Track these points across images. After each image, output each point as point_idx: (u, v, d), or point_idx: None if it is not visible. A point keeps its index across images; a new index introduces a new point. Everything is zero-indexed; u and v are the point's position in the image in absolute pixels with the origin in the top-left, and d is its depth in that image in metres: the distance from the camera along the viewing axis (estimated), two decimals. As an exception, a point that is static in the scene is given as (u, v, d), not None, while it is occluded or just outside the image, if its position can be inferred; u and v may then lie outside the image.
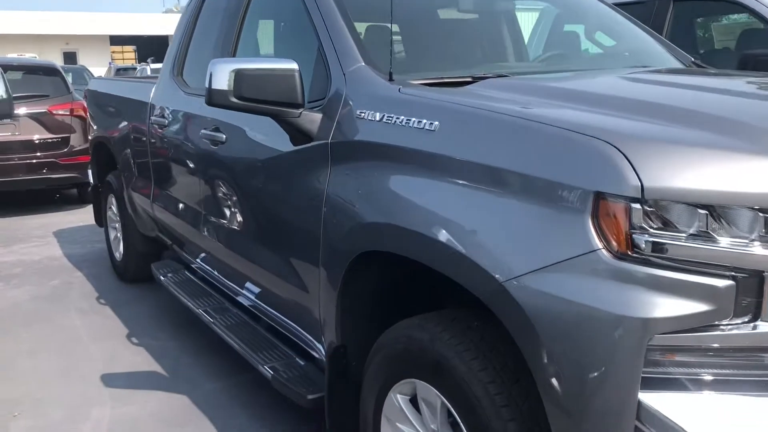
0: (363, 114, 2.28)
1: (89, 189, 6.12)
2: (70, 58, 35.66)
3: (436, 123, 1.97)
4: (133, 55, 40.34)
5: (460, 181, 1.85)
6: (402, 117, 2.09)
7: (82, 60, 33.35)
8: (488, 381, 1.78)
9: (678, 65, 3.11)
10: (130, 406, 3.29)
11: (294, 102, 2.38)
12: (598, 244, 1.52)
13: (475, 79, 2.40)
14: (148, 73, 18.62)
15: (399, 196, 2.06)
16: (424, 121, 2.00)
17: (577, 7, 3.68)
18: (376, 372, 2.20)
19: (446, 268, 1.85)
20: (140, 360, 3.82)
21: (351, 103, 2.36)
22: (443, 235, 1.83)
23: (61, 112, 7.79)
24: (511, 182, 1.72)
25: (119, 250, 5.20)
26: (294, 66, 2.35)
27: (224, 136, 3.12)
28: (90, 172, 5.88)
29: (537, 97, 2.07)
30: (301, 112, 2.41)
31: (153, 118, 4.07)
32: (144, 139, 4.26)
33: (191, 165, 3.58)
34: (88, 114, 6.10)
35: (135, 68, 23.52)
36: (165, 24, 35.75)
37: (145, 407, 3.28)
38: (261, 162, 2.86)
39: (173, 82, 3.97)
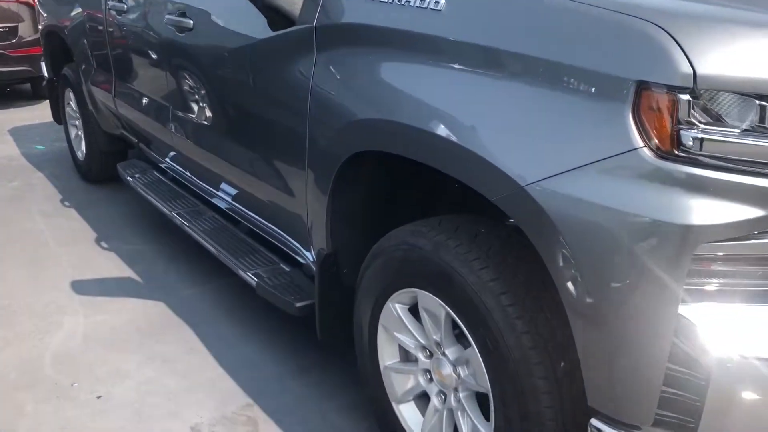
0: (353, -8, 2.00)
1: (44, 83, 5.69)
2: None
3: (442, 1, 1.71)
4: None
5: (473, 70, 1.61)
6: (401, -5, 1.83)
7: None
8: (500, 292, 1.63)
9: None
10: (103, 315, 3.12)
11: (272, -20, 2.09)
12: (639, 141, 1.33)
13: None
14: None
15: (398, 89, 1.83)
16: (428, -1, 1.74)
17: None
18: (371, 281, 2.05)
19: (456, 171, 1.64)
20: (111, 265, 3.63)
21: (338, -20, 2.08)
22: (453, 133, 1.61)
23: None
24: (535, 71, 1.49)
25: (81, 149, 4.88)
26: (271, -63, 2.05)
27: (191, 22, 2.80)
28: (43, 65, 5.44)
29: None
30: (280, -8, 2.12)
31: (110, 3, 3.68)
32: (101, 28, 3.88)
33: (155, 56, 3.25)
34: (36, 1, 5.58)
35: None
36: None
37: (120, 315, 3.12)
38: (235, 51, 2.56)
39: (130, -38, 3.56)
